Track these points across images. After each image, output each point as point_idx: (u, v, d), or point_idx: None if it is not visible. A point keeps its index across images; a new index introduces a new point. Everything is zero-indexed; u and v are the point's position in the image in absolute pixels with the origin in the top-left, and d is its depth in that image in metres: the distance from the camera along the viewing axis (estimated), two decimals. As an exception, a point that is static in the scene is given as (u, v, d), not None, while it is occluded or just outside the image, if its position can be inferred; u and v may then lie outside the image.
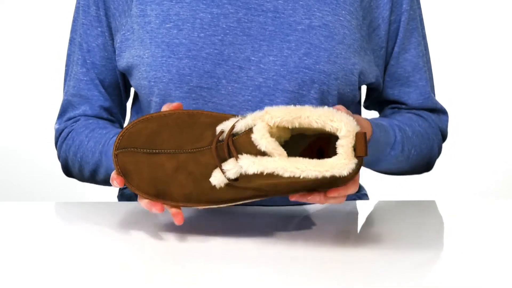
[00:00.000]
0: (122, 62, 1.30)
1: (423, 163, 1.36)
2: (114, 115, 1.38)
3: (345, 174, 0.95)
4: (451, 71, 2.66)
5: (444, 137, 1.40)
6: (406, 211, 1.29)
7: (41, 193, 2.38)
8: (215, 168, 1.03)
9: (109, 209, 1.25)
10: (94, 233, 1.16)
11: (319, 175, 0.96)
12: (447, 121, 1.39)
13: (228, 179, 1.02)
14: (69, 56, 1.38)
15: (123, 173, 1.08)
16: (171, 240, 1.09)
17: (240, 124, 1.01)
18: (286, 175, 0.97)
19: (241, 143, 1.00)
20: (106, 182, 1.31)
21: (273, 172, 0.98)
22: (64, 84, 1.39)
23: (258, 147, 0.98)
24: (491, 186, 2.74)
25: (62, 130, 1.36)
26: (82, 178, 1.35)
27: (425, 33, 1.38)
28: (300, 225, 1.18)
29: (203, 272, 0.99)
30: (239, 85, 1.25)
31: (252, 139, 0.99)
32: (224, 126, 1.03)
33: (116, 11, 1.31)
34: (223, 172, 1.02)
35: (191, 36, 1.25)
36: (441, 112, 1.39)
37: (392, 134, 1.25)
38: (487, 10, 2.74)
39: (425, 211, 1.29)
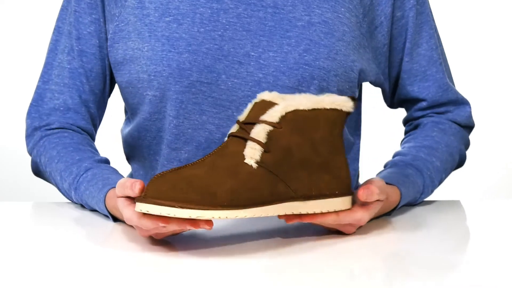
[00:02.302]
0: (116, 53, 1.29)
1: (453, 171, 1.37)
2: (90, 110, 1.33)
3: (350, 110, 1.09)
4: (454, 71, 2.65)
5: (470, 127, 1.41)
6: (428, 211, 1.30)
7: (41, 193, 2.37)
8: (243, 152, 1.05)
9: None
10: (94, 233, 1.16)
11: (332, 106, 1.09)
12: (469, 111, 1.39)
13: (260, 143, 1.04)
14: (52, 45, 1.34)
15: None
16: (164, 242, 1.09)
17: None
18: (308, 106, 1.07)
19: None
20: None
21: (296, 109, 1.07)
22: (43, 72, 1.34)
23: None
24: (492, 186, 2.74)
25: (36, 129, 1.33)
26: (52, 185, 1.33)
27: (435, 25, 1.38)
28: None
29: (200, 275, 0.99)
30: (239, 80, 1.25)
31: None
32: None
33: (111, 0, 1.30)
34: (252, 139, 1.04)
35: (191, 31, 1.25)
36: (462, 103, 1.39)
37: (421, 181, 1.26)
38: (490, 9, 2.74)
39: (448, 211, 1.30)
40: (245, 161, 1.04)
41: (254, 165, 1.04)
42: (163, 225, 0.99)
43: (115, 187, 1.15)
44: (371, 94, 1.56)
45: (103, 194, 1.17)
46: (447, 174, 1.33)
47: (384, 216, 1.20)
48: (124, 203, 1.06)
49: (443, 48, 1.39)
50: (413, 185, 1.24)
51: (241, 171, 1.03)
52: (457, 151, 1.35)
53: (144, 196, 0.99)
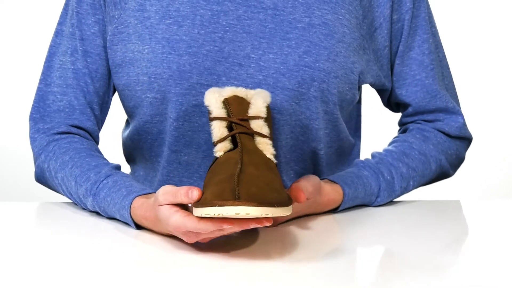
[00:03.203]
0: (115, 55, 1.29)
1: (431, 182, 1.38)
2: (95, 112, 1.33)
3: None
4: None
5: (464, 139, 1.39)
6: (424, 211, 1.30)
7: (41, 193, 2.38)
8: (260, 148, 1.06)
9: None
10: (96, 233, 1.16)
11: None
12: (461, 122, 1.37)
13: (269, 138, 1.06)
14: (53, 48, 1.34)
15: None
16: (163, 242, 1.09)
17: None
18: (268, 101, 1.11)
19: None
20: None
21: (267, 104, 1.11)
22: (44, 75, 1.33)
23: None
24: (493, 186, 2.74)
25: (39, 131, 1.31)
26: (56, 192, 1.32)
27: (435, 31, 1.37)
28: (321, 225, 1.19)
29: (198, 276, 0.99)
30: (239, 82, 1.24)
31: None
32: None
33: (105, 1, 1.29)
34: (262, 135, 1.06)
35: (191, 33, 1.25)
36: (453, 113, 1.37)
37: (376, 184, 1.29)
38: (491, 10, 2.74)
39: (446, 211, 1.30)
40: (268, 156, 1.05)
41: (274, 160, 1.06)
42: (227, 226, 0.98)
43: (140, 195, 1.15)
44: (371, 95, 1.56)
45: (128, 201, 1.15)
46: (416, 182, 1.34)
47: (332, 213, 1.24)
48: (170, 210, 1.05)
49: (442, 54, 1.38)
50: (364, 187, 1.27)
51: (272, 167, 1.04)
52: (435, 161, 1.35)
53: (238, 199, 0.96)
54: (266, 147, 1.06)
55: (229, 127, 1.07)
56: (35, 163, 1.32)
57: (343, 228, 1.17)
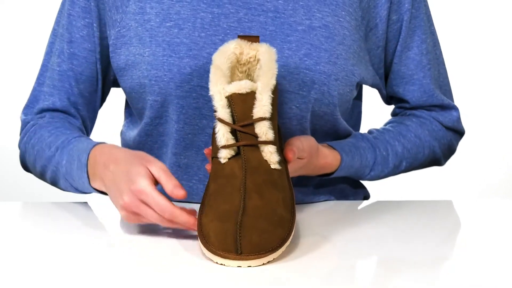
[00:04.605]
0: (118, 59, 1.29)
1: (422, 166, 1.40)
2: (80, 112, 1.34)
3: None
4: (451, 71, 2.66)
5: (457, 132, 1.42)
6: (416, 211, 1.30)
7: (41, 194, 2.38)
8: (264, 158, 1.05)
9: (105, 209, 1.24)
10: (93, 232, 1.16)
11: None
12: (456, 116, 1.40)
13: (273, 143, 1.04)
14: (49, 47, 1.35)
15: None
16: (163, 242, 1.09)
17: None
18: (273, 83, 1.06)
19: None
20: (52, 183, 1.29)
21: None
22: (39, 74, 1.36)
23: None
24: (492, 185, 2.75)
25: (28, 122, 1.34)
26: (35, 173, 1.33)
27: (433, 29, 1.38)
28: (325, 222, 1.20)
29: (197, 274, 1.00)
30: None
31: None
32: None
33: (107, 5, 1.29)
34: (265, 143, 1.04)
35: (192, 36, 1.25)
36: (448, 108, 1.40)
37: (371, 156, 1.31)
38: (490, 9, 2.74)
39: (439, 211, 1.30)
40: (272, 167, 1.05)
41: (279, 167, 1.05)
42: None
43: (104, 143, 1.19)
44: (371, 94, 1.57)
45: (91, 145, 1.19)
46: (408, 163, 1.36)
47: (331, 213, 1.25)
48: (150, 186, 1.07)
49: (439, 52, 1.39)
50: (360, 157, 1.30)
51: (276, 179, 1.04)
52: (429, 146, 1.37)
53: (240, 253, 0.97)
54: (270, 156, 1.05)
55: (234, 131, 1.06)
56: (19, 149, 1.36)
57: (342, 228, 1.17)
